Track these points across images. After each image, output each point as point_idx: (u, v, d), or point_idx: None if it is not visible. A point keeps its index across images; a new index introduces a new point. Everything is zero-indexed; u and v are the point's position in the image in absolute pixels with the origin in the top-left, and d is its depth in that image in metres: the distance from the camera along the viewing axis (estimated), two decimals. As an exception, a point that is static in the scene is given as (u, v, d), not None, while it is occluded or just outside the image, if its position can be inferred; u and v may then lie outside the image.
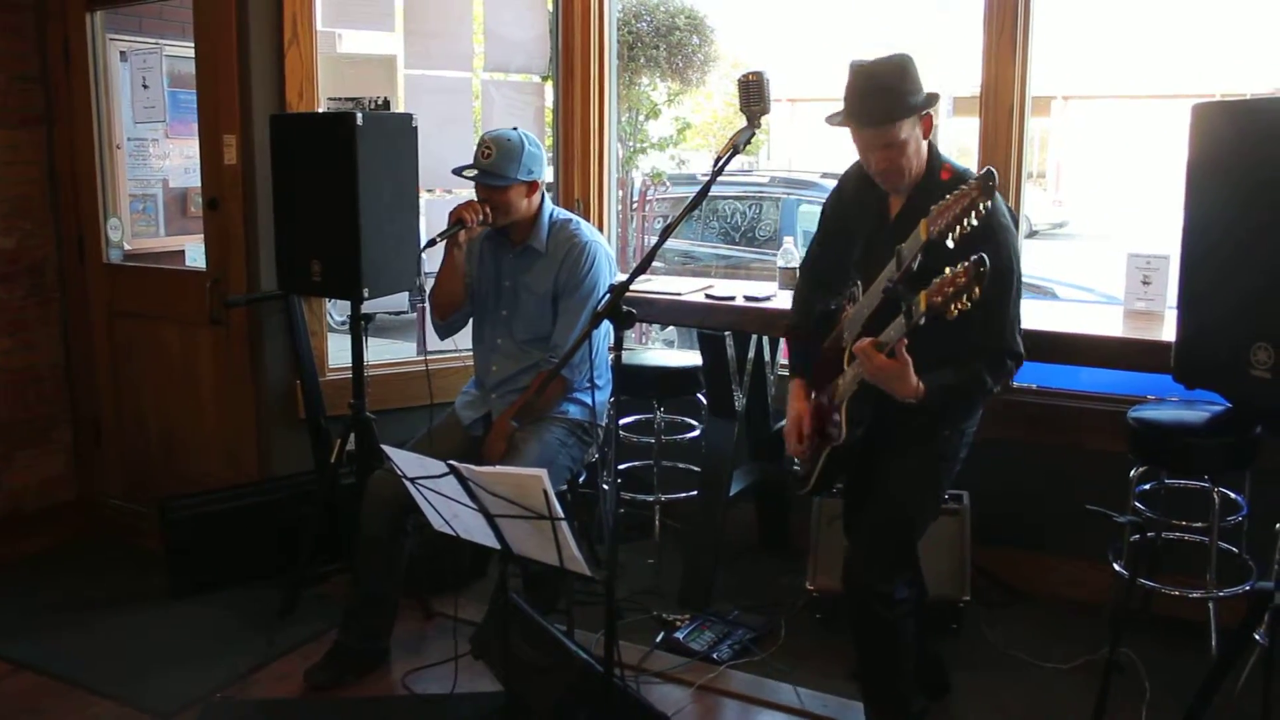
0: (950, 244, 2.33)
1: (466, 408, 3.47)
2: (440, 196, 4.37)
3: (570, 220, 3.43)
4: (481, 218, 3.24)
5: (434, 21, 4.14)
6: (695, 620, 3.52)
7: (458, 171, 3.29)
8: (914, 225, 2.42)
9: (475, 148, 3.29)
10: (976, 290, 2.22)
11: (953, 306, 2.25)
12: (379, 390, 3.90)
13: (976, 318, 2.36)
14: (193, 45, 3.97)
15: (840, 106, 2.64)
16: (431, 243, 3.27)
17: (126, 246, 4.54)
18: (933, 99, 2.57)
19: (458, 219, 3.22)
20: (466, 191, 3.36)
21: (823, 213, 2.96)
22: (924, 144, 2.61)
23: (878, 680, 2.79)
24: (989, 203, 2.31)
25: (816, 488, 2.86)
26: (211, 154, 3.96)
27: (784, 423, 2.89)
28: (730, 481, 3.76)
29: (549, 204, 3.42)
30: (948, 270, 2.27)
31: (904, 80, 2.54)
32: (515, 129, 3.31)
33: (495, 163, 3.23)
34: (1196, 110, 2.30)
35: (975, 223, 2.31)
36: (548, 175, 3.37)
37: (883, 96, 2.53)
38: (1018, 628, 3.49)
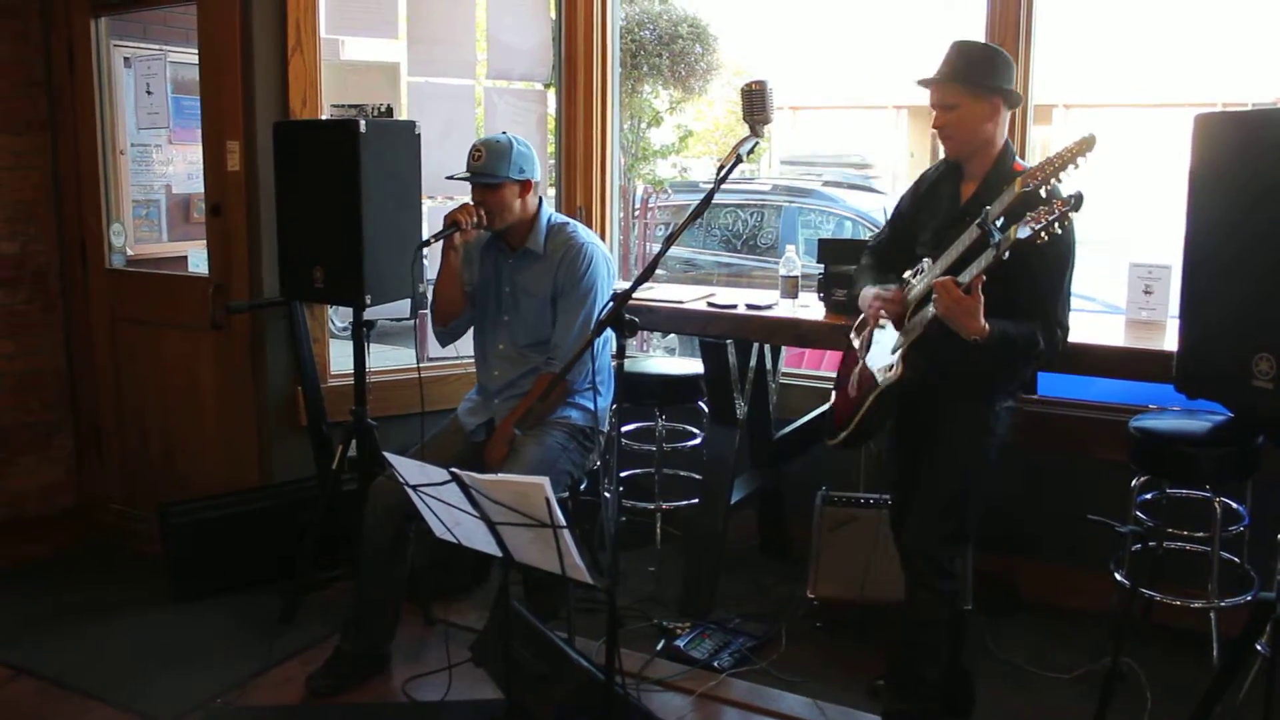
0: (1043, 193, 2.53)
1: (469, 414, 3.47)
2: (442, 203, 4.38)
3: (568, 223, 3.44)
4: (476, 220, 3.25)
5: (437, 29, 4.16)
6: (696, 628, 3.51)
7: (451, 177, 3.31)
8: (984, 206, 2.64)
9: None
10: (1069, 219, 2.43)
11: (1044, 233, 2.42)
12: (380, 396, 3.90)
13: (1038, 287, 2.67)
14: (197, 52, 3.98)
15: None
16: (426, 243, 3.28)
17: (129, 252, 4.55)
18: (1002, 91, 2.77)
19: (452, 221, 3.24)
20: (468, 197, 3.36)
21: (899, 203, 3.12)
22: (988, 128, 2.78)
23: (907, 659, 2.84)
24: (1087, 156, 2.50)
25: (854, 436, 2.94)
26: (215, 160, 3.97)
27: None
28: (731, 489, 3.76)
29: (547, 208, 3.43)
30: (1041, 207, 2.45)
31: (979, 59, 2.77)
32: (504, 133, 3.34)
33: (486, 164, 3.25)
34: (1199, 120, 2.30)
35: (1073, 173, 2.53)
36: (539, 175, 3.37)
37: (953, 60, 2.77)
38: (1019, 636, 3.49)
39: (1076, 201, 2.43)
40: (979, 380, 2.79)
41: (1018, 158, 2.85)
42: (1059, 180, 2.56)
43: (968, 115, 2.77)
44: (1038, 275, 2.65)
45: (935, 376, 2.80)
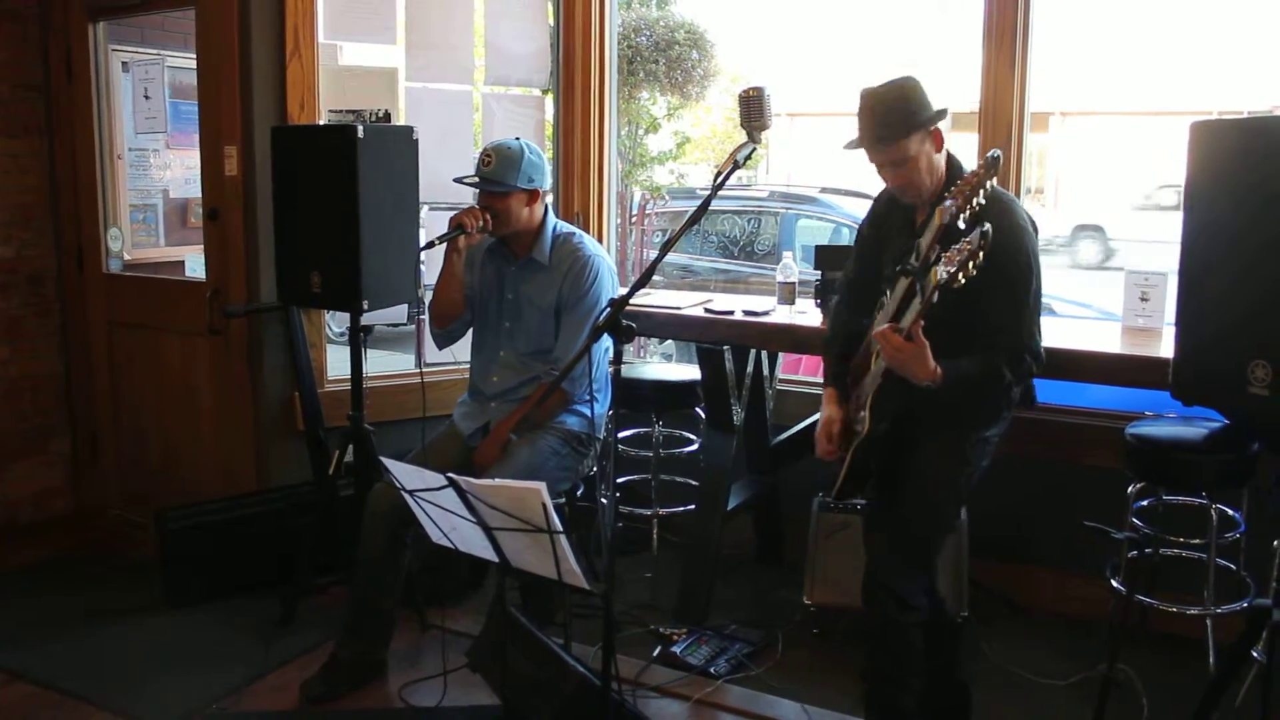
0: (962, 224, 2.44)
1: (465, 419, 3.47)
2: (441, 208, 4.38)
3: (574, 234, 3.45)
4: (481, 225, 3.26)
5: (435, 34, 4.16)
6: (692, 634, 3.51)
7: (460, 180, 3.31)
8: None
9: (477, 157, 3.31)
10: (981, 255, 2.31)
11: (960, 275, 2.32)
12: (377, 402, 3.90)
13: (996, 313, 2.55)
14: (195, 56, 3.99)
15: (848, 129, 2.74)
16: (430, 244, 3.28)
17: (126, 256, 4.55)
18: (938, 115, 2.65)
19: (458, 224, 3.24)
20: (467, 204, 3.37)
21: (858, 233, 3.04)
22: (938, 158, 2.69)
23: (880, 686, 2.80)
24: (993, 180, 2.45)
25: (842, 492, 2.88)
26: (212, 165, 3.97)
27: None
28: (728, 495, 3.75)
29: (553, 217, 3.44)
30: (954, 246, 2.36)
31: (905, 101, 2.63)
32: (517, 138, 3.34)
33: (495, 170, 3.25)
34: (1195, 128, 2.31)
35: (984, 201, 2.45)
36: (548, 183, 3.38)
37: (885, 117, 2.63)
38: (1015, 643, 3.49)
39: (986, 238, 2.31)
40: (955, 413, 2.68)
41: (965, 169, 2.66)
42: (976, 206, 2.45)
43: (921, 160, 2.64)
44: (995, 301, 2.54)
45: (906, 422, 2.72)
